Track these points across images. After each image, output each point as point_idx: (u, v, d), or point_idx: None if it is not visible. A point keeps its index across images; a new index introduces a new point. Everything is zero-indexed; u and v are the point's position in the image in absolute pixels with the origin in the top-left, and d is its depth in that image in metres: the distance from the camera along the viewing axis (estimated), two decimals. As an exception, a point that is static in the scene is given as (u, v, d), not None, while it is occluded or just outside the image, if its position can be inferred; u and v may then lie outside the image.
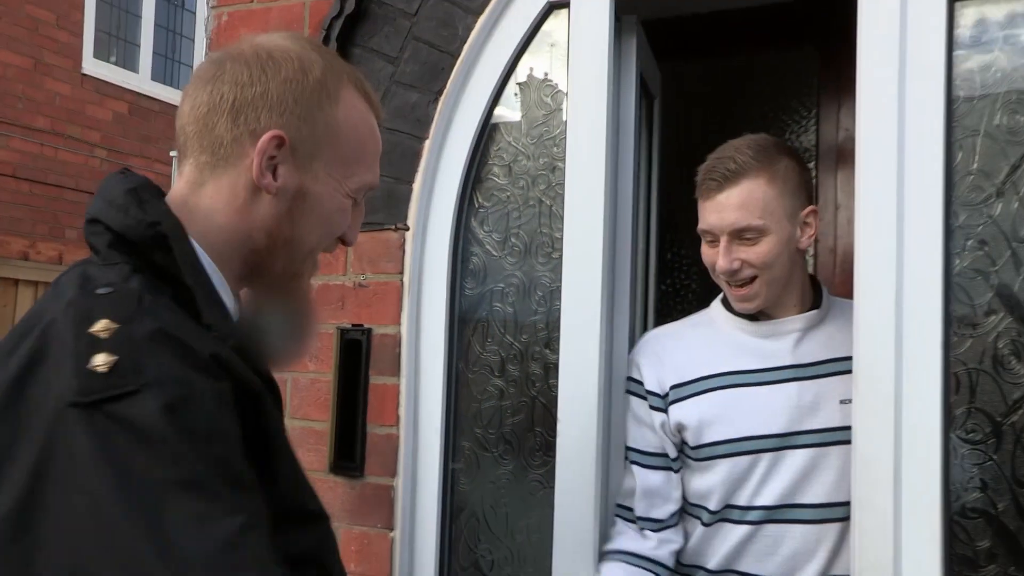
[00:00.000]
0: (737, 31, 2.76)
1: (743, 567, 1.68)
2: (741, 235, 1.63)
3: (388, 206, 1.99)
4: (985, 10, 1.62)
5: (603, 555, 1.78)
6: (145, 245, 0.92)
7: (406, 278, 1.97)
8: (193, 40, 8.04)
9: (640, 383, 1.78)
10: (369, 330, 1.98)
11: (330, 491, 1.98)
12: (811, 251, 2.91)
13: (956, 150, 1.61)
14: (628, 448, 1.80)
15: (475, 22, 1.94)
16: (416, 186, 1.98)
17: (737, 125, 2.95)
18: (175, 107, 1.06)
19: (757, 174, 1.62)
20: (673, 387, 1.74)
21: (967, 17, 1.63)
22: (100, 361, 0.81)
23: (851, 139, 2.83)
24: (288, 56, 1.01)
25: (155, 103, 7.78)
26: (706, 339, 1.78)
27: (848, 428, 1.64)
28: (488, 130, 1.99)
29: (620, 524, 1.80)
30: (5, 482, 0.80)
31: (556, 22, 1.93)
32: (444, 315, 1.96)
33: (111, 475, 0.76)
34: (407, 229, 1.98)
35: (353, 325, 2.00)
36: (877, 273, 1.60)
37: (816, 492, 1.64)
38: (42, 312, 0.89)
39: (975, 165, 1.61)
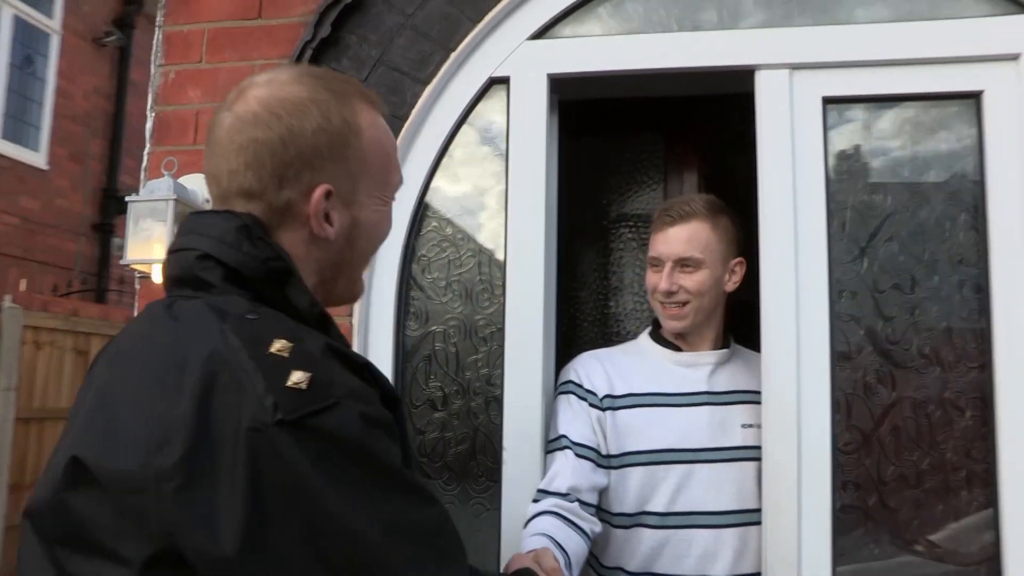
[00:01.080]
0: (607, 117, 3.14)
1: (660, 568, 1.92)
2: (683, 264, 1.97)
3: (338, 253, 2.15)
4: (850, 114, 2.05)
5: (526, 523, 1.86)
6: (259, 279, 1.01)
7: (355, 319, 2.13)
8: (43, 104, 8.46)
9: (579, 385, 2.01)
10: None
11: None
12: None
13: (832, 220, 2.00)
14: (560, 436, 1.95)
15: (423, 91, 2.17)
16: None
17: (602, 194, 3.33)
18: (23, 163, 1.14)
19: (704, 219, 1.97)
20: (604, 397, 1.98)
21: (833, 119, 2.05)
22: (299, 378, 0.86)
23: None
24: (305, 107, 1.06)
25: (5, 160, 7.85)
26: (634, 363, 2.06)
27: (748, 448, 1.97)
28: (431, 187, 2.21)
29: (540, 500, 1.90)
30: (223, 510, 0.82)
31: (498, 93, 2.19)
32: (391, 352, 2.13)
33: (332, 482, 0.84)
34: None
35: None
36: (781, 319, 1.96)
37: (720, 501, 1.92)
38: (184, 346, 0.91)
39: (846, 231, 2.01)
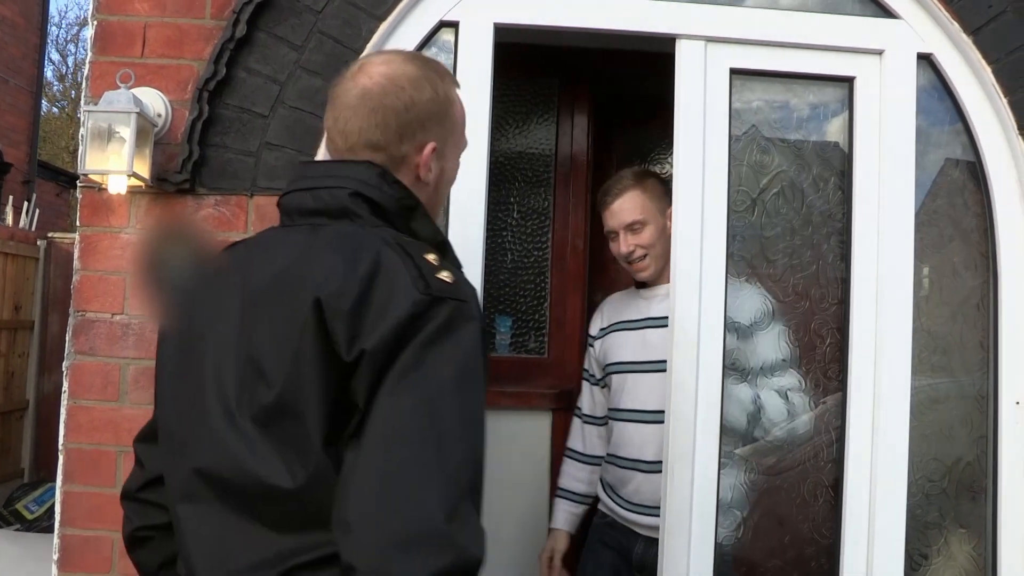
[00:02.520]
0: (515, 61, 3.36)
1: (617, 451, 2.51)
2: (631, 227, 2.45)
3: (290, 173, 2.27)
4: (751, 84, 2.40)
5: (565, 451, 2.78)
6: (393, 212, 1.30)
7: (307, 239, 2.27)
8: None
9: (590, 334, 2.73)
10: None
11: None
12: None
13: (732, 174, 2.36)
14: (583, 370, 2.77)
15: (377, 26, 2.31)
16: (318, 157, 2.28)
17: (499, 133, 3.56)
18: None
19: (634, 187, 2.46)
20: (600, 330, 2.68)
21: (737, 87, 2.40)
22: (445, 276, 1.17)
23: (580, 148, 3.60)
24: (420, 81, 1.36)
25: None
26: (622, 301, 2.69)
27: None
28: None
29: (573, 421, 2.78)
30: (377, 328, 1.10)
31: (446, 36, 2.37)
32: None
33: (455, 339, 1.13)
34: (308, 196, 2.28)
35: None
36: (687, 254, 2.30)
37: (649, 401, 2.42)
38: (356, 244, 1.19)
39: (741, 184, 2.38)
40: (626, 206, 2.45)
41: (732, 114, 2.37)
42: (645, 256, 2.47)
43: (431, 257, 1.20)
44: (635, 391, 2.47)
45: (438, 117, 1.37)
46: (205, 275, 1.37)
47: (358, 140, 1.33)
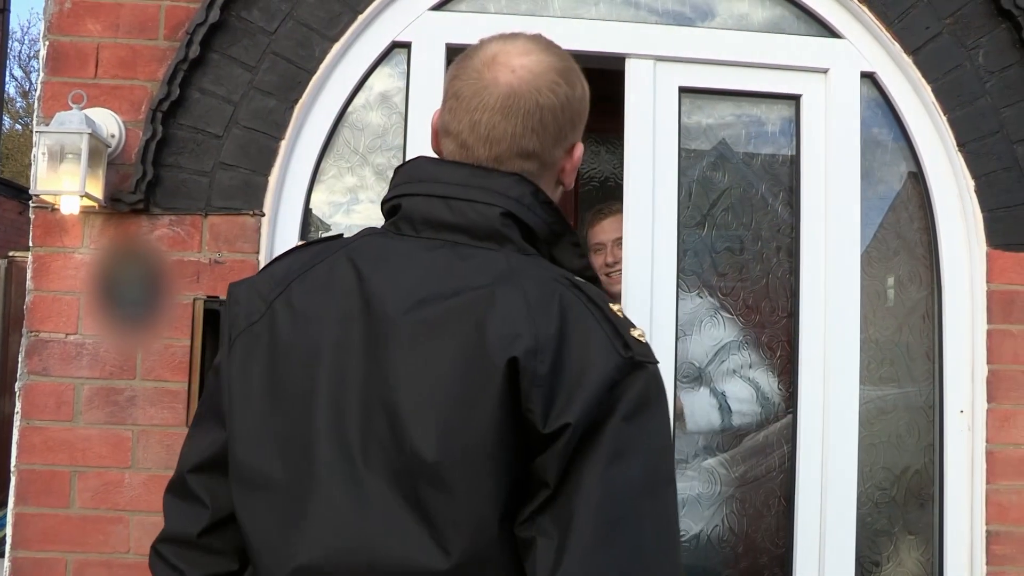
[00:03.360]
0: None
1: None
2: (618, 242, 2.54)
3: (245, 194, 2.29)
4: (700, 102, 2.46)
5: None
6: (543, 239, 1.10)
7: (261, 257, 2.28)
8: None
9: None
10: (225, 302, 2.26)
11: (187, 443, 2.21)
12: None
13: (681, 191, 2.41)
14: None
15: (331, 47, 2.33)
16: (271, 179, 2.30)
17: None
18: None
19: (619, 212, 2.53)
20: None
21: (686, 105, 2.45)
22: (638, 334, 1.01)
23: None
24: (569, 75, 1.13)
25: None
26: None
27: None
28: (335, 135, 2.39)
29: None
30: (574, 402, 0.94)
31: (398, 56, 2.40)
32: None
33: (657, 414, 0.98)
34: (263, 215, 2.29)
35: (209, 296, 2.25)
36: (638, 270, 2.34)
37: None
38: (525, 282, 1.01)
39: (691, 201, 2.43)
40: (617, 224, 2.61)
41: (681, 131, 2.42)
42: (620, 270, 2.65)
43: (617, 309, 1.03)
44: None
45: (583, 115, 1.17)
46: (303, 278, 1.10)
47: (509, 148, 1.10)
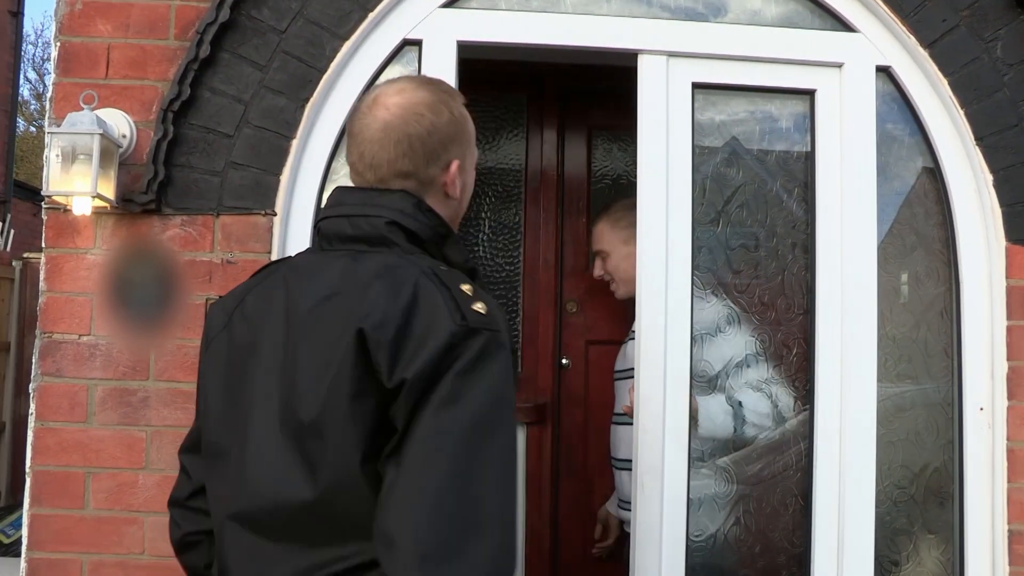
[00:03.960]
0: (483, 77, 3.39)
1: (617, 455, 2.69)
2: (599, 255, 2.69)
3: (256, 194, 2.28)
4: (713, 98, 2.43)
5: None
6: (427, 240, 1.36)
7: (274, 256, 2.27)
8: None
9: None
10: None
11: (200, 444, 2.20)
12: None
13: (695, 187, 2.39)
14: None
15: (341, 46, 2.32)
16: (283, 178, 2.29)
17: (480, 140, 3.59)
18: None
19: (603, 220, 2.77)
20: None
21: (700, 101, 2.43)
22: (479, 307, 1.24)
23: (550, 163, 3.62)
24: (436, 105, 1.42)
25: None
26: None
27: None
28: (345, 136, 2.37)
29: None
30: (414, 361, 1.17)
31: (409, 54, 2.39)
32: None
33: (488, 369, 1.20)
34: (275, 215, 2.28)
35: (222, 297, 2.24)
36: (653, 268, 2.32)
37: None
38: (392, 274, 1.25)
39: (706, 197, 2.41)
40: (596, 236, 2.76)
41: (695, 128, 2.39)
42: (612, 281, 2.76)
43: (466, 288, 1.26)
44: (619, 396, 2.72)
45: (457, 136, 1.44)
46: (253, 292, 1.40)
47: (388, 171, 1.39)
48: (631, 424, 2.49)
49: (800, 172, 2.45)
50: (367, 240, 1.34)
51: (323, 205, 1.44)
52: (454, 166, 1.43)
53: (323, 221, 1.40)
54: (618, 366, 2.81)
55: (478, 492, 1.16)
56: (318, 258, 1.38)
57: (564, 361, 3.51)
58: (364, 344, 1.20)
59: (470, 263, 1.42)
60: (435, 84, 1.48)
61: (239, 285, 1.49)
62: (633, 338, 2.66)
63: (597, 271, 2.77)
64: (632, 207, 2.51)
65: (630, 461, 2.51)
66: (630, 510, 2.52)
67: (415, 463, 1.16)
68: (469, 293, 1.26)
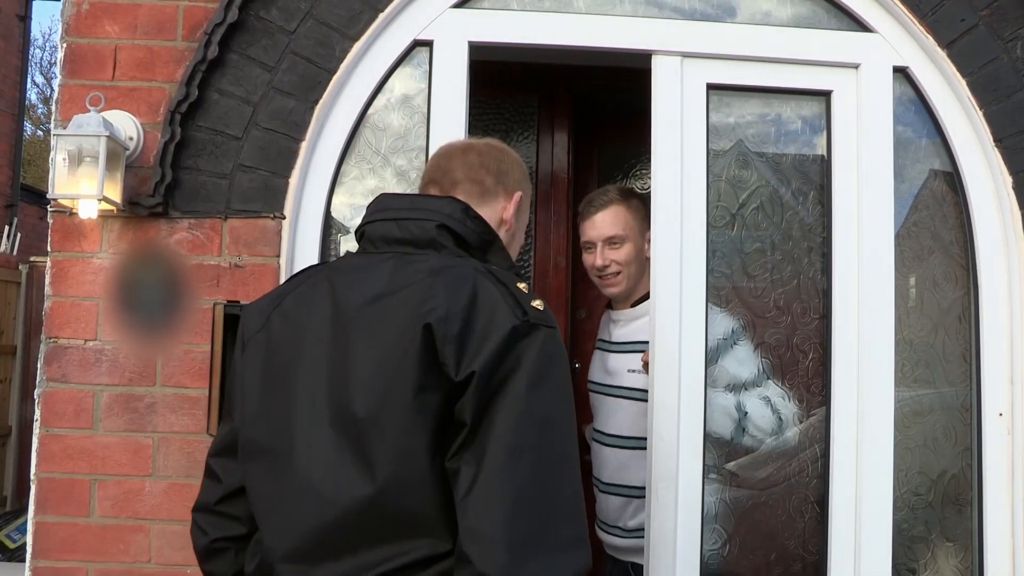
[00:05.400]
0: (493, 78, 3.36)
1: (598, 474, 2.49)
2: (611, 241, 2.43)
3: (265, 197, 2.25)
4: (728, 99, 2.40)
5: None
6: (476, 246, 1.41)
7: (282, 260, 2.24)
8: None
9: None
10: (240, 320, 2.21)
11: (208, 450, 2.17)
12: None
13: (710, 190, 2.35)
14: None
15: (351, 46, 2.29)
16: (292, 180, 2.26)
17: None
18: None
19: (620, 203, 2.44)
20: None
21: (714, 102, 2.39)
22: (537, 304, 1.29)
23: (561, 165, 3.59)
24: (511, 151, 1.62)
25: None
26: (605, 318, 2.66)
27: (630, 388, 2.41)
28: (356, 136, 2.34)
29: None
30: (480, 355, 1.20)
31: (420, 55, 2.36)
32: (315, 294, 2.27)
33: (555, 367, 1.25)
34: (284, 218, 2.25)
35: (229, 301, 2.22)
36: (667, 274, 2.28)
37: (613, 425, 2.44)
38: (449, 272, 1.29)
39: (720, 200, 2.37)
40: (608, 219, 2.44)
41: (710, 129, 2.36)
42: (619, 272, 2.46)
43: (523, 286, 1.31)
44: (599, 413, 2.53)
45: (524, 179, 1.60)
46: (292, 294, 1.41)
47: (462, 177, 1.51)
48: (617, 447, 2.45)
49: (816, 174, 2.41)
50: (415, 243, 1.38)
51: (366, 211, 1.47)
52: (518, 195, 1.55)
53: (368, 225, 1.43)
54: (599, 379, 2.55)
55: (556, 486, 1.21)
56: (364, 260, 1.40)
57: (577, 364, 3.49)
58: (431, 339, 1.22)
59: (515, 268, 1.45)
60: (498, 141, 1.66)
61: (274, 288, 1.51)
62: (601, 348, 2.58)
63: (605, 259, 2.43)
64: (643, 198, 2.52)
65: (616, 485, 2.46)
66: (612, 534, 2.50)
67: (496, 459, 1.18)
68: (525, 291, 1.30)
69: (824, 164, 2.40)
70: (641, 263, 2.45)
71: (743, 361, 2.35)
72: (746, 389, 2.34)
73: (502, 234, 1.52)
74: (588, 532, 1.24)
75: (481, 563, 1.15)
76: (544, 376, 1.22)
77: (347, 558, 1.25)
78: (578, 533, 1.21)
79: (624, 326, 2.50)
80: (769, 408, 2.33)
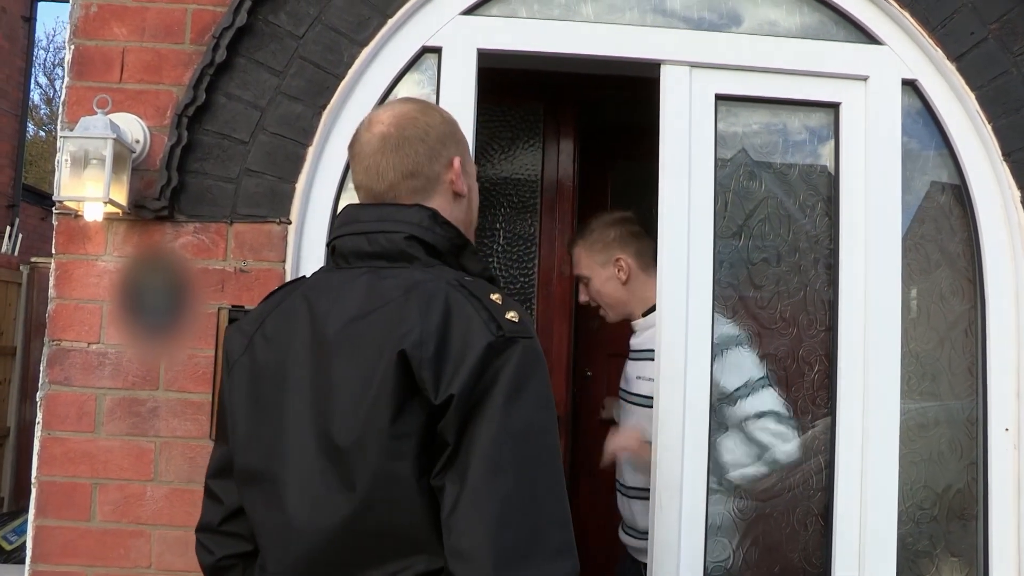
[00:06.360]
0: (499, 86, 3.35)
1: (624, 481, 2.58)
2: (581, 280, 2.60)
3: (271, 202, 2.24)
4: (736, 109, 2.39)
5: None
6: (445, 251, 1.38)
7: (288, 265, 2.23)
8: None
9: None
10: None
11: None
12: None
13: (718, 200, 2.34)
14: None
15: (360, 52, 2.29)
16: (298, 186, 2.25)
17: (492, 155, 3.57)
18: None
19: (578, 244, 2.62)
20: None
21: (722, 113, 2.38)
22: (512, 316, 1.26)
23: (567, 173, 3.59)
24: (425, 110, 1.49)
25: None
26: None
27: (639, 395, 2.40)
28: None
29: None
30: (456, 377, 1.20)
31: (428, 61, 2.35)
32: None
33: (534, 380, 1.24)
34: (289, 223, 2.25)
35: (234, 306, 2.21)
36: (673, 283, 2.28)
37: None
38: (421, 290, 1.27)
39: (728, 211, 2.36)
40: (575, 261, 2.62)
41: (718, 140, 2.35)
42: (599, 306, 2.61)
43: (496, 297, 1.29)
44: (620, 418, 2.62)
45: (452, 135, 1.48)
46: (272, 315, 1.41)
47: (395, 176, 1.42)
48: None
49: (823, 186, 2.41)
50: (386, 256, 1.36)
51: (335, 223, 1.45)
52: (456, 162, 1.45)
53: (338, 239, 1.41)
54: (621, 385, 2.68)
55: (538, 497, 1.21)
56: (337, 276, 1.38)
57: (588, 373, 3.53)
58: (407, 365, 1.22)
59: (488, 272, 1.43)
60: (419, 99, 1.62)
61: (254, 308, 1.50)
62: (632, 357, 2.61)
63: (582, 297, 2.64)
64: (607, 225, 2.58)
65: (637, 488, 2.49)
66: (636, 536, 2.50)
67: (477, 477, 1.19)
68: (499, 302, 1.29)
69: (832, 176, 2.39)
70: (615, 287, 2.55)
71: (746, 369, 2.35)
72: (743, 399, 2.34)
73: (463, 205, 1.49)
74: (572, 538, 1.24)
75: None
76: (521, 389, 1.22)
77: None
78: (564, 540, 1.22)
79: (638, 335, 2.57)
80: (768, 418, 2.32)
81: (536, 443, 1.23)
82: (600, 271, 2.54)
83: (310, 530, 1.27)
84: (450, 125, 1.49)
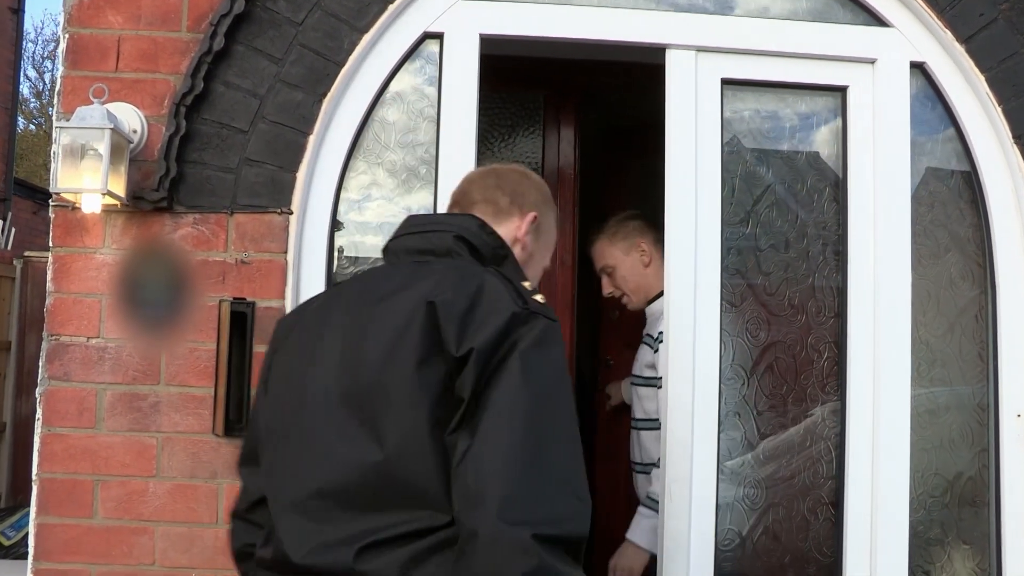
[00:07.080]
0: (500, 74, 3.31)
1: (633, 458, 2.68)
2: (604, 271, 2.65)
3: (272, 192, 2.20)
4: (742, 94, 2.36)
5: None
6: (490, 258, 1.50)
7: (290, 256, 2.19)
8: None
9: None
10: (253, 303, 2.17)
11: (214, 451, 2.13)
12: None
13: (724, 186, 2.31)
14: None
15: (360, 38, 2.24)
16: (299, 175, 2.21)
17: (493, 143, 3.53)
18: None
19: (600, 238, 2.72)
20: None
21: (728, 97, 2.35)
22: (539, 298, 1.38)
23: (568, 161, 3.56)
24: (533, 176, 1.72)
25: None
26: None
27: (649, 377, 2.43)
28: (365, 130, 2.30)
29: None
30: (482, 329, 1.28)
31: (430, 48, 2.31)
32: (323, 289, 2.22)
33: (544, 349, 1.30)
34: (291, 213, 2.21)
35: (236, 298, 2.17)
36: (681, 269, 2.25)
37: (641, 412, 2.58)
38: (461, 268, 1.42)
39: (735, 197, 2.33)
40: (596, 255, 2.73)
41: (724, 125, 2.32)
42: (623, 295, 2.69)
43: (527, 284, 1.43)
44: (635, 400, 2.68)
45: (542, 197, 1.67)
46: (315, 305, 1.54)
47: (478, 196, 1.62)
48: (647, 429, 2.56)
49: (831, 171, 2.38)
50: (434, 252, 1.48)
51: (396, 230, 1.57)
52: (532, 215, 1.61)
53: (393, 241, 1.55)
54: (634, 370, 2.74)
55: (549, 457, 1.24)
56: (382, 268, 1.55)
57: (610, 361, 3.74)
58: (435, 315, 1.30)
59: (526, 282, 1.50)
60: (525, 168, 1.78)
61: (303, 303, 1.64)
62: (645, 342, 2.63)
63: (607, 289, 2.73)
64: (624, 218, 2.67)
65: (644, 464, 2.57)
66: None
67: (489, 429, 1.23)
68: (529, 288, 1.41)
69: (840, 160, 2.36)
70: (640, 273, 2.64)
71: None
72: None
73: (516, 251, 1.59)
74: (586, 507, 1.25)
75: (474, 523, 1.20)
76: (541, 357, 1.28)
77: (349, 521, 1.29)
78: (574, 487, 1.24)
79: (647, 322, 2.67)
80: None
81: (551, 404, 1.27)
82: (624, 258, 2.65)
83: (338, 463, 1.32)
84: (545, 196, 1.68)
